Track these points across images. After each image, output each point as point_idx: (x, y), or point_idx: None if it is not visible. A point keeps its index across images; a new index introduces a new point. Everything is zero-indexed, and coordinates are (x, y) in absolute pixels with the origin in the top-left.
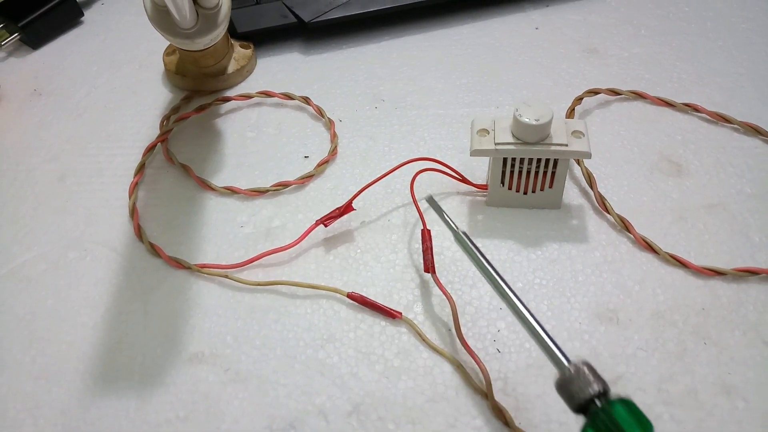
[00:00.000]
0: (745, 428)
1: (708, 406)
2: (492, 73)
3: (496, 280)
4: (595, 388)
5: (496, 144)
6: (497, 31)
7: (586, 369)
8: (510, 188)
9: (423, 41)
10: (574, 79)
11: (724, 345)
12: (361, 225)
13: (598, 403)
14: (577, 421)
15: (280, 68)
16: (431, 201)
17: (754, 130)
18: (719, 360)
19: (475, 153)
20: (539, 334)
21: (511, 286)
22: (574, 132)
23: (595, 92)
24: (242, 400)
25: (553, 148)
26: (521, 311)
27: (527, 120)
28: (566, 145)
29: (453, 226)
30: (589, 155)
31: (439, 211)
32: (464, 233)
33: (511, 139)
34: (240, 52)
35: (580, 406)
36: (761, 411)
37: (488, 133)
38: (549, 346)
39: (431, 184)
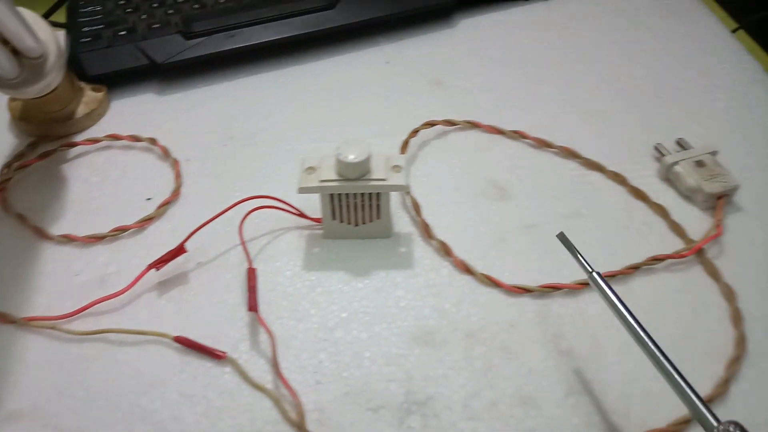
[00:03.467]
0: None
1: (505, 416)
2: (341, 108)
3: (631, 324)
4: None
5: (320, 181)
6: (350, 65)
7: (737, 430)
8: (342, 221)
9: (277, 78)
10: (418, 111)
11: (525, 358)
12: (197, 266)
13: None
14: None
15: (133, 110)
16: (563, 238)
17: (571, 154)
18: (519, 373)
19: (302, 190)
20: (683, 389)
21: (648, 331)
22: (394, 167)
23: (432, 124)
24: None
25: (372, 183)
26: (662, 362)
27: (345, 158)
28: (385, 180)
29: (587, 266)
30: (406, 188)
31: (572, 249)
32: (598, 273)
33: (334, 176)
34: (90, 95)
35: None
36: (550, 416)
37: (315, 171)
38: (695, 402)
39: (271, 220)
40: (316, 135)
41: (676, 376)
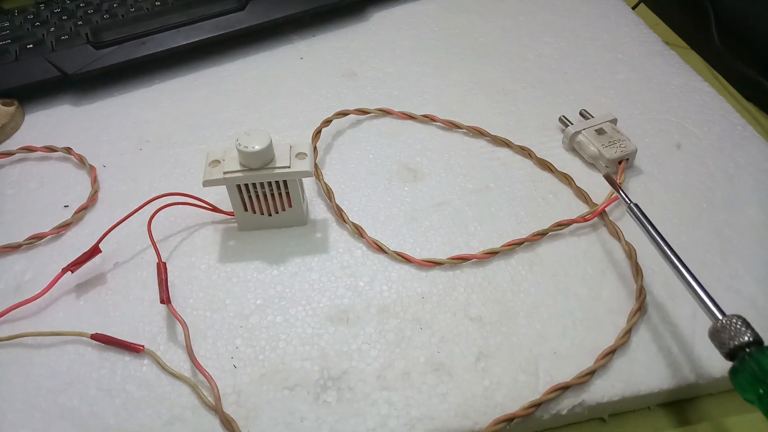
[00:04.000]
0: (449, 400)
1: (418, 384)
2: (255, 105)
3: (662, 245)
4: (746, 337)
5: (224, 173)
6: (265, 64)
7: (738, 321)
8: (254, 212)
9: (192, 81)
10: (331, 102)
11: (436, 328)
12: (114, 266)
13: (748, 350)
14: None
15: (49, 122)
16: (609, 177)
17: (479, 133)
18: (430, 342)
19: (206, 183)
20: (696, 290)
21: (676, 252)
22: (298, 154)
23: (344, 113)
24: None
25: (276, 171)
26: (681, 270)
27: (245, 148)
28: (289, 167)
29: (626, 199)
30: (310, 174)
31: (615, 185)
32: (636, 205)
33: (238, 167)
34: (1, 110)
35: (731, 352)
36: (462, 380)
37: (219, 164)
38: (704, 299)
39: (187, 217)
40: (231, 132)
41: (689, 277)
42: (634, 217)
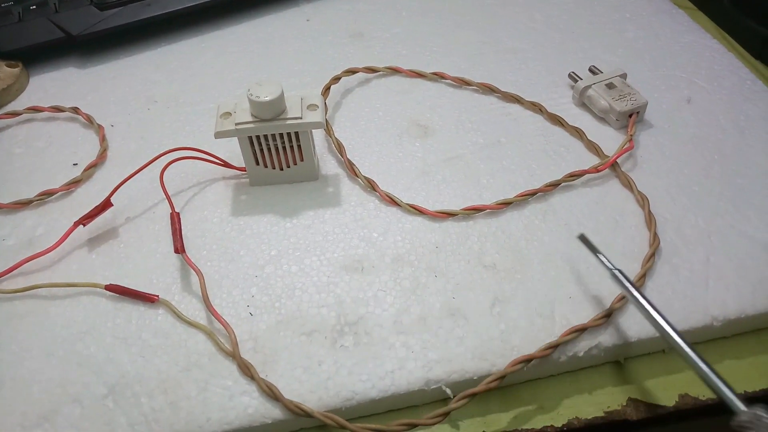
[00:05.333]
0: (466, 343)
1: (434, 328)
2: (263, 65)
3: (653, 317)
4: None
5: (236, 125)
6: (270, 26)
7: (765, 414)
8: (266, 166)
9: (198, 44)
10: (338, 62)
11: (451, 275)
12: (126, 221)
13: None
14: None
15: (55, 83)
16: (584, 238)
17: (490, 89)
18: (446, 288)
19: (218, 135)
20: (711, 379)
21: (674, 326)
22: (309, 105)
23: (353, 71)
24: None
25: (288, 122)
26: (687, 353)
27: (257, 98)
28: (300, 118)
29: (608, 264)
30: (321, 125)
31: (594, 249)
32: (620, 270)
33: (250, 119)
34: (6, 71)
35: None
36: (478, 325)
37: (231, 115)
38: (722, 390)
39: (198, 173)
40: (239, 92)
41: (701, 363)
42: (618, 283)
